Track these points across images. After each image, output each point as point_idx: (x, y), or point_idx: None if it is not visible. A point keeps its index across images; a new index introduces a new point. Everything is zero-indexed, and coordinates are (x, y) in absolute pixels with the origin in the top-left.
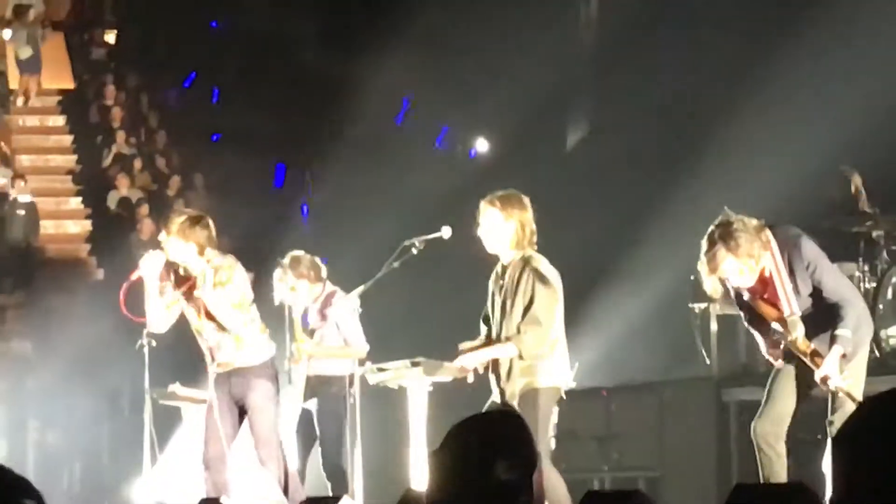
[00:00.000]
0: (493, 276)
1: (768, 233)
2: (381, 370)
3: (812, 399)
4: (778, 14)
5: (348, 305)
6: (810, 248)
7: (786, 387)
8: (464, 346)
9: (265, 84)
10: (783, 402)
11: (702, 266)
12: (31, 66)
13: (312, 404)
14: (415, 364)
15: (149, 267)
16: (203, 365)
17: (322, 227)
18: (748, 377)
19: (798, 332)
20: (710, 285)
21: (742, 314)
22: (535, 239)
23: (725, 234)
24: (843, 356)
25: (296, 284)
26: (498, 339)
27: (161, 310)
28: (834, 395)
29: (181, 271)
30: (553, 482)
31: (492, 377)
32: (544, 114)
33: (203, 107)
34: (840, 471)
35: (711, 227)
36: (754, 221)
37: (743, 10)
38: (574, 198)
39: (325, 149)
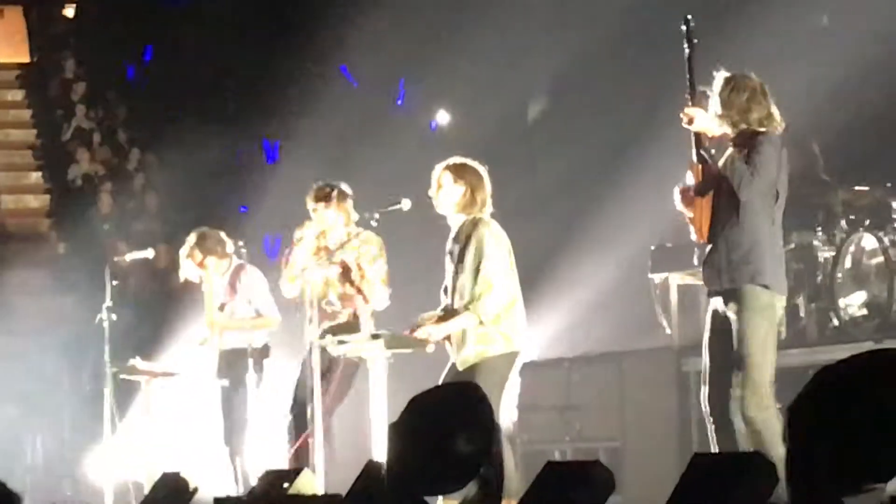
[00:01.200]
0: (448, 244)
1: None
2: (341, 342)
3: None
4: None
5: (257, 278)
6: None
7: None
8: (424, 317)
9: (225, 58)
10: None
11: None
12: None
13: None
14: (375, 336)
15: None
16: (164, 339)
17: (284, 200)
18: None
19: None
20: None
21: None
22: (486, 208)
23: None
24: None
25: (204, 260)
26: (454, 307)
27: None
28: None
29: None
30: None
31: (447, 345)
32: (505, 86)
33: (163, 81)
34: (795, 439)
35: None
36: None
37: None
38: (534, 170)
39: (288, 123)
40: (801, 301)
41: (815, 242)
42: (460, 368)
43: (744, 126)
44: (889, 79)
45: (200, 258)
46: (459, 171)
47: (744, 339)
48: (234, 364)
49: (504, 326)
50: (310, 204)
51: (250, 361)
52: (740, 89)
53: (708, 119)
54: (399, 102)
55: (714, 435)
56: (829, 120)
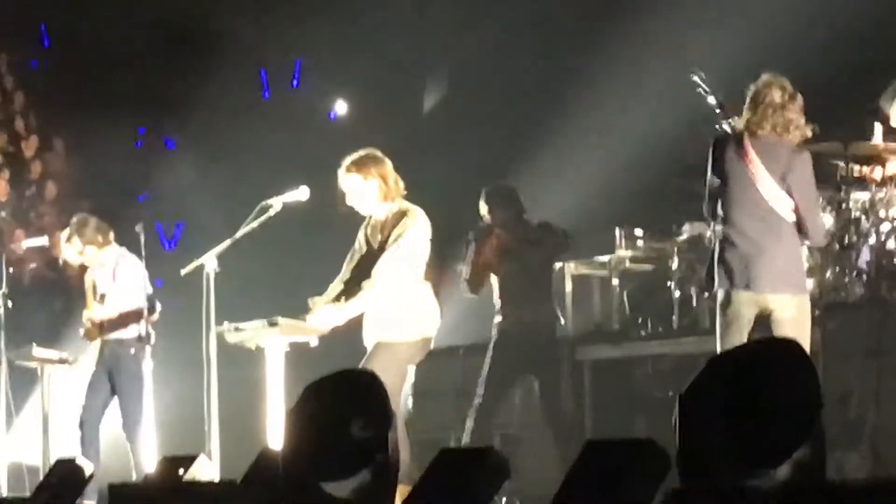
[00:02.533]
0: (366, 229)
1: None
2: (238, 330)
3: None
4: None
5: (134, 267)
6: None
7: None
8: (314, 301)
9: (125, 46)
10: None
11: None
12: None
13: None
14: (272, 324)
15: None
16: (60, 327)
17: (182, 189)
18: (601, 336)
19: None
20: None
21: None
22: (402, 186)
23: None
24: None
25: (83, 249)
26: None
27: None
28: None
29: None
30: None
31: (364, 333)
32: (402, 76)
33: (62, 68)
34: (686, 426)
35: None
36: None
37: None
38: (431, 159)
39: (188, 111)
40: (693, 290)
41: (708, 233)
42: (382, 354)
43: None
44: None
45: (80, 246)
46: (363, 168)
47: None
48: (118, 353)
49: (406, 315)
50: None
51: (133, 350)
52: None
53: None
54: (294, 84)
55: None
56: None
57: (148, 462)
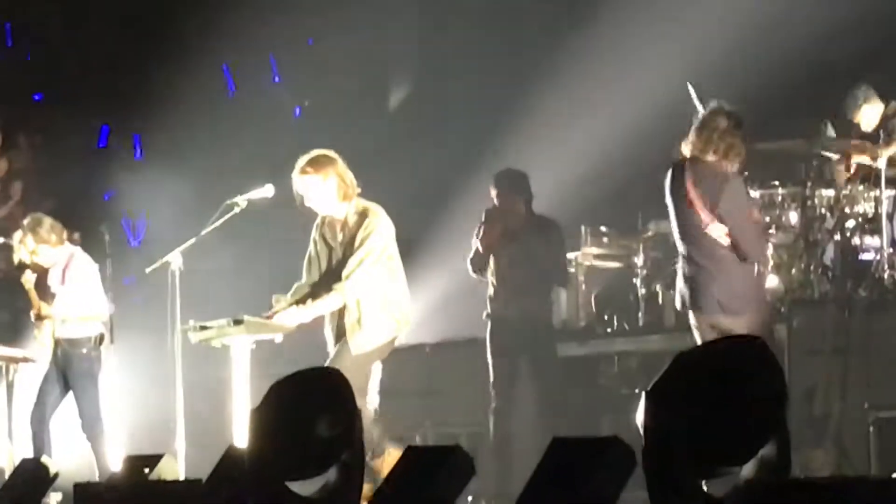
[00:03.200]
0: (322, 228)
1: None
2: (203, 328)
3: None
4: None
5: (86, 267)
6: None
7: None
8: (277, 299)
9: (91, 43)
10: None
11: None
12: None
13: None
14: (237, 322)
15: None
16: (24, 326)
17: (148, 187)
18: (567, 334)
19: None
20: None
21: None
22: (356, 184)
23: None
24: None
25: (37, 248)
26: (326, 288)
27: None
28: None
29: None
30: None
31: (327, 331)
32: (367, 74)
33: (25, 66)
34: (652, 423)
35: None
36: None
37: None
38: (397, 156)
39: (153, 110)
40: (659, 288)
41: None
42: (354, 353)
43: None
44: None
45: (33, 246)
46: (321, 168)
47: None
48: (70, 353)
49: (392, 312)
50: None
51: (85, 350)
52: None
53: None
54: (276, 80)
55: None
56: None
57: (112, 461)
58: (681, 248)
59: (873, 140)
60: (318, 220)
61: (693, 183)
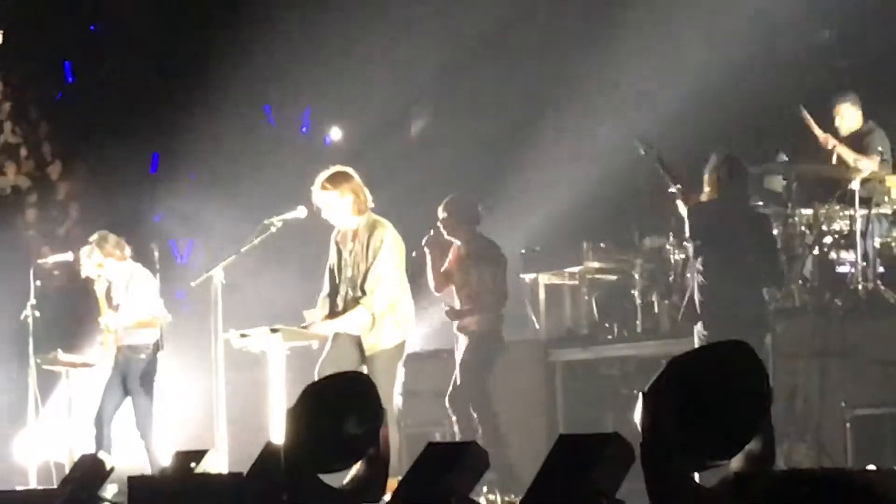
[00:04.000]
0: (337, 238)
1: None
2: (243, 336)
3: None
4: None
5: (147, 280)
6: None
7: None
8: (308, 314)
9: (142, 81)
10: None
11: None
12: None
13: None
14: (274, 331)
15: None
16: (83, 334)
17: (195, 210)
18: (572, 340)
19: None
20: None
21: None
22: (370, 200)
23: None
24: None
25: (103, 262)
26: (344, 298)
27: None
28: None
29: None
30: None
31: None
32: (390, 104)
33: (84, 100)
34: (648, 420)
35: None
36: None
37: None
38: (419, 180)
39: (199, 139)
40: (655, 298)
41: (668, 246)
42: (368, 354)
43: None
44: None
45: (100, 259)
46: (337, 186)
47: None
48: (130, 358)
49: (390, 321)
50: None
51: (143, 355)
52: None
53: None
54: (304, 130)
55: None
56: (678, 131)
57: (162, 456)
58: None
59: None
60: (335, 232)
61: None
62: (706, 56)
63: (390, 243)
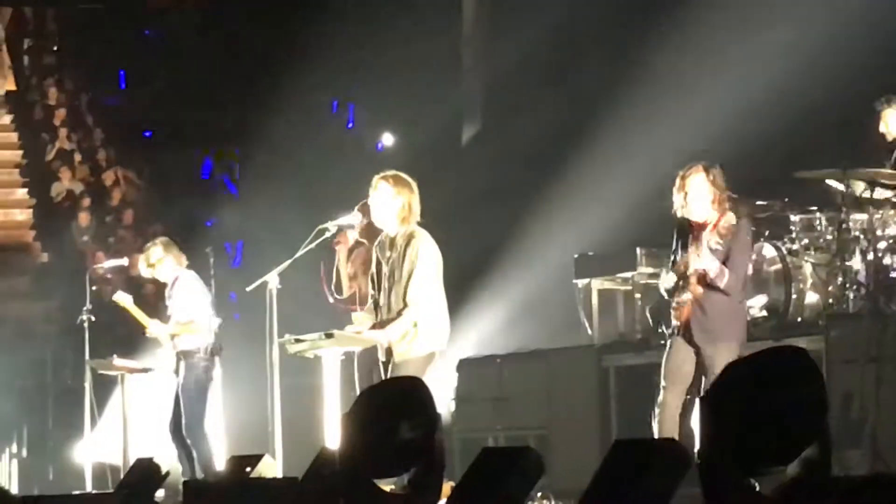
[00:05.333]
0: (377, 247)
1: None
2: (298, 341)
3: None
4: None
5: (189, 285)
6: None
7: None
8: (357, 317)
9: (193, 86)
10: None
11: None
12: None
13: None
14: (328, 336)
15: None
16: (137, 339)
17: (247, 215)
18: (625, 345)
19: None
20: (677, 202)
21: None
22: (417, 219)
23: (710, 166)
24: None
25: (156, 263)
26: (387, 307)
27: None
28: (706, 365)
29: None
30: None
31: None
32: (443, 110)
33: (137, 106)
34: (706, 427)
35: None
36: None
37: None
38: (470, 187)
39: (251, 146)
40: None
41: None
42: (397, 361)
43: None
44: (789, 102)
45: (157, 257)
46: (397, 185)
47: None
48: (184, 363)
49: (430, 329)
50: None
51: (195, 359)
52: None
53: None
54: (349, 126)
55: None
56: (736, 139)
57: (217, 460)
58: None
59: None
60: (379, 238)
61: None
62: (763, 61)
63: (427, 253)
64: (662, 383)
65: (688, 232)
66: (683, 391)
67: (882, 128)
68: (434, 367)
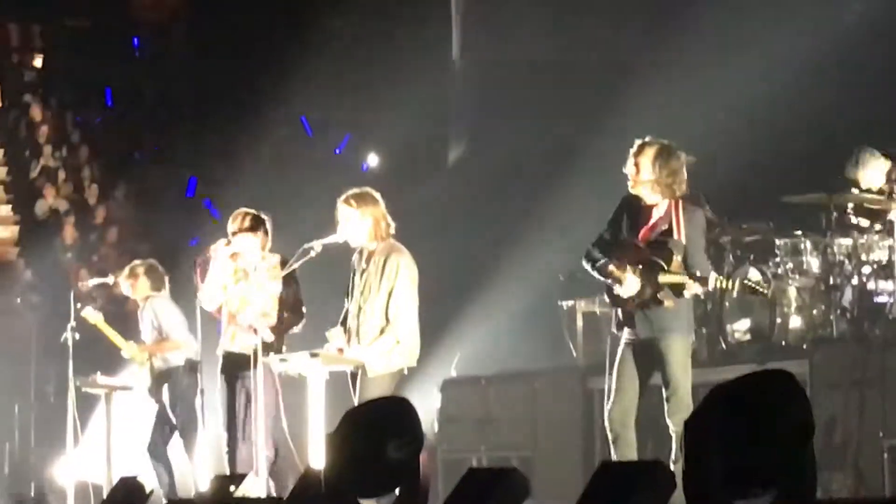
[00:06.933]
0: (354, 259)
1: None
2: (283, 360)
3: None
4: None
5: (165, 306)
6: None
7: (628, 377)
8: (330, 333)
9: (179, 104)
10: (629, 392)
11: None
12: None
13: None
14: (314, 355)
15: (218, 252)
16: (121, 357)
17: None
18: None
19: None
20: (628, 171)
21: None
22: (391, 230)
23: (669, 146)
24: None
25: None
26: (356, 319)
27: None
28: (667, 382)
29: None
30: None
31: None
32: (428, 131)
33: (122, 125)
34: (691, 450)
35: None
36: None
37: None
38: (455, 208)
39: (236, 164)
40: None
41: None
42: (369, 376)
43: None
44: (773, 126)
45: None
46: (361, 205)
47: None
48: (164, 382)
49: (402, 346)
50: (231, 228)
51: (177, 377)
52: (672, 156)
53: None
54: (337, 151)
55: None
56: (722, 162)
57: (200, 480)
58: None
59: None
60: (355, 253)
61: None
62: (749, 84)
63: (406, 270)
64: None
65: (636, 210)
66: None
67: (852, 174)
68: (402, 384)
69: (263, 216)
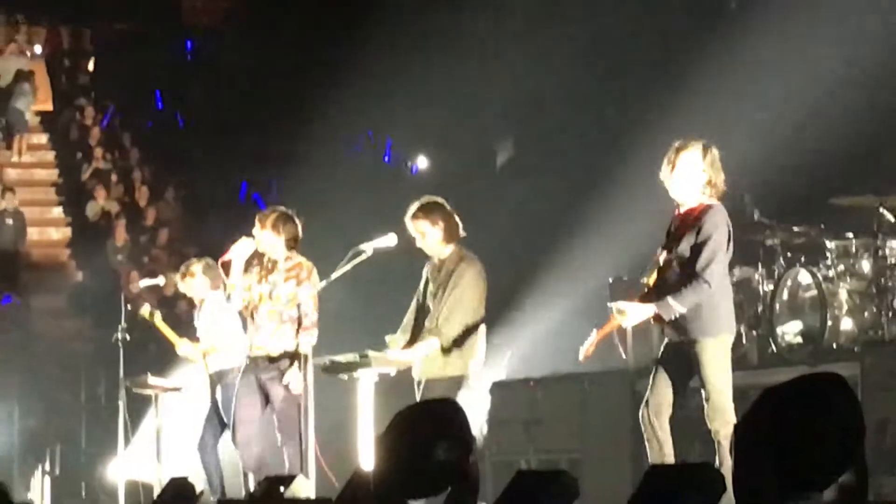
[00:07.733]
0: (429, 267)
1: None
2: (333, 362)
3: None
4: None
5: (217, 307)
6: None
7: (662, 377)
8: (391, 339)
9: (229, 108)
10: (661, 391)
11: (665, 164)
12: (20, 125)
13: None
14: (363, 357)
15: (238, 251)
16: (172, 358)
17: None
18: None
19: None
20: (664, 174)
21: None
22: (460, 228)
23: (709, 146)
24: (655, 318)
25: (188, 279)
26: (427, 326)
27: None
28: (703, 386)
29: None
30: None
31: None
32: (477, 135)
33: (173, 127)
34: (742, 452)
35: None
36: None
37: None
38: (504, 212)
39: (287, 168)
40: (743, 329)
41: (756, 276)
42: (427, 380)
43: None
44: (821, 128)
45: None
46: (431, 214)
47: None
48: (217, 382)
49: (464, 351)
50: (256, 227)
51: (230, 378)
52: (717, 159)
53: (636, 311)
54: (386, 159)
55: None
56: (772, 164)
57: (251, 481)
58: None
59: None
60: (430, 260)
61: None
62: (800, 86)
63: (472, 278)
64: None
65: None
66: None
67: None
68: (466, 389)
69: (291, 214)
